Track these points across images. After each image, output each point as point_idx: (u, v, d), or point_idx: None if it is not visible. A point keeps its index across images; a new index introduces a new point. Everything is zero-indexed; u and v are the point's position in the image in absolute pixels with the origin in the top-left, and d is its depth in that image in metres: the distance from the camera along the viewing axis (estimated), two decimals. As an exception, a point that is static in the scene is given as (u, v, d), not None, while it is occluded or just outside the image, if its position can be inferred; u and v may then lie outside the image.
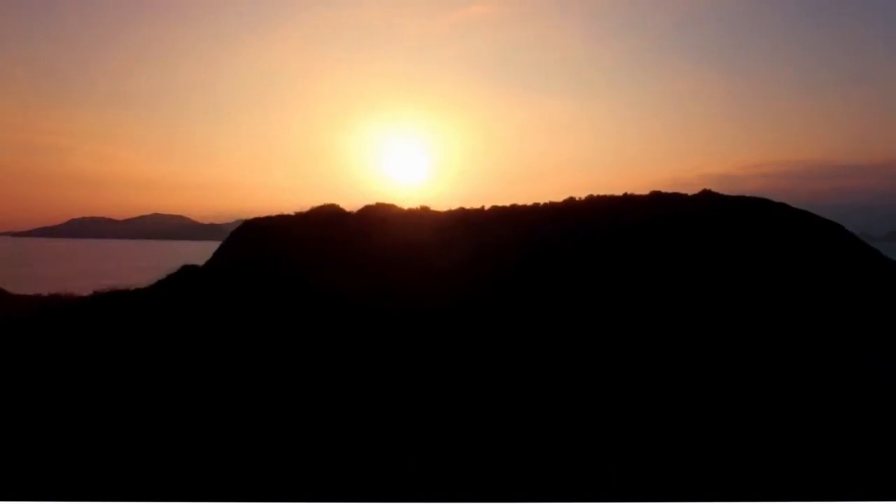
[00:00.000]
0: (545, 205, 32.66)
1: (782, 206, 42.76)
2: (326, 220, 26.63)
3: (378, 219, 26.34)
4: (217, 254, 26.76)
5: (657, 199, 38.68)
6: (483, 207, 29.70)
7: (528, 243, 28.58)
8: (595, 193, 35.82)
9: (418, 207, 28.14)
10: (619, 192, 37.22)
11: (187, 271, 25.18)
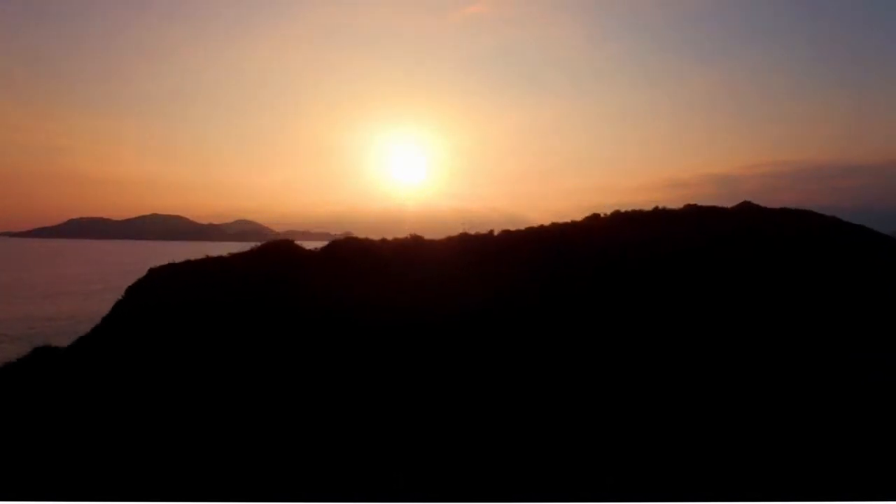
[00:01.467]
0: (565, 224, 27.07)
1: (833, 220, 37.54)
2: (274, 263, 20.46)
3: (342, 262, 20.07)
4: (106, 319, 20.40)
5: (693, 212, 33.23)
6: (492, 232, 23.86)
7: (547, 271, 22.94)
8: (621, 209, 30.23)
9: (408, 237, 21.88)
10: (648, 206, 31.75)
11: (42, 353, 18.62)
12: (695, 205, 33.37)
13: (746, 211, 36.38)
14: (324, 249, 21.18)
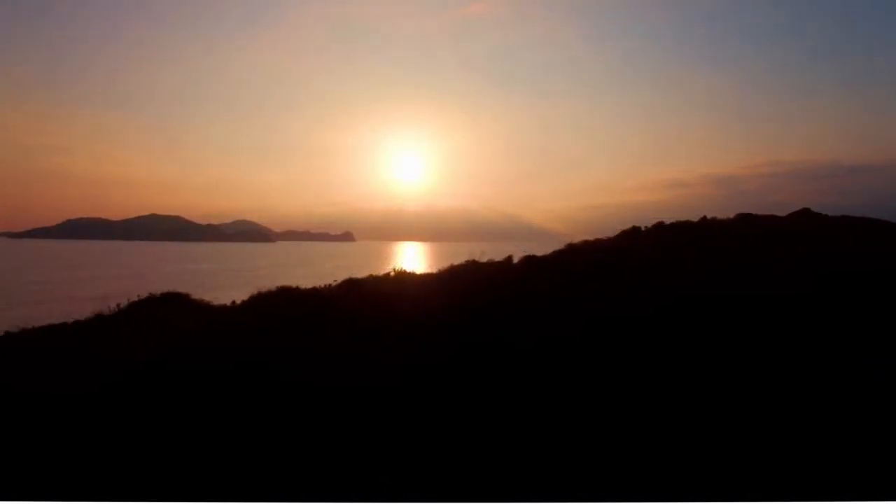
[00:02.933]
0: (597, 241, 21.32)
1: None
2: (158, 327, 13.58)
3: (264, 324, 12.94)
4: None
5: (747, 221, 27.67)
6: (510, 259, 17.80)
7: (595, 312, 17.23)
8: (664, 220, 24.52)
9: (390, 273, 15.65)
10: (694, 216, 26.14)
11: None
12: (749, 214, 27.74)
13: (803, 218, 30.95)
14: (244, 304, 14.84)
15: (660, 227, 24.13)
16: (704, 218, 26.60)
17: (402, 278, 15.26)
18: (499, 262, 16.96)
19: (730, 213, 28.83)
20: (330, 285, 14.78)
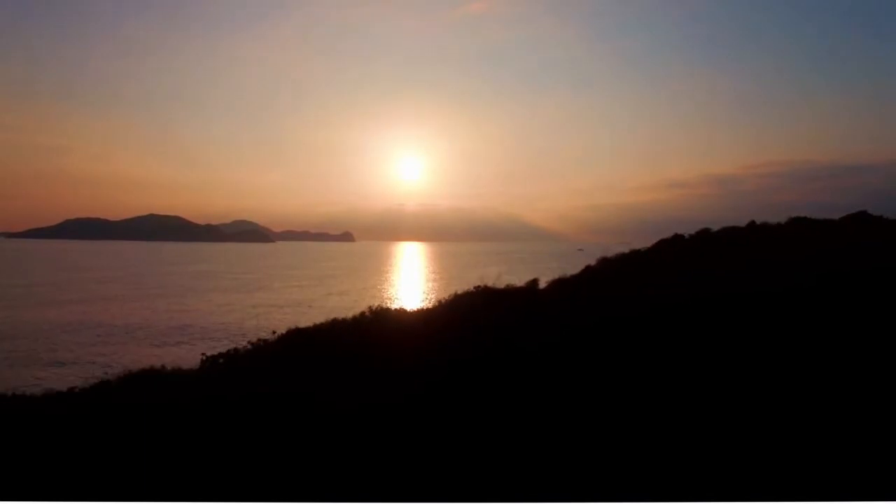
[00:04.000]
0: (634, 253, 17.43)
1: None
2: None
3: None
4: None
5: (799, 226, 23.76)
6: (536, 283, 13.53)
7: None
8: (707, 226, 20.59)
9: (364, 313, 11.06)
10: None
11: None
12: (804, 217, 23.86)
13: (862, 221, 27.07)
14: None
15: (704, 233, 20.15)
16: (752, 223, 22.71)
17: (382, 323, 10.68)
18: (520, 289, 12.64)
19: (775, 217, 25.16)
20: (266, 340, 10.28)
